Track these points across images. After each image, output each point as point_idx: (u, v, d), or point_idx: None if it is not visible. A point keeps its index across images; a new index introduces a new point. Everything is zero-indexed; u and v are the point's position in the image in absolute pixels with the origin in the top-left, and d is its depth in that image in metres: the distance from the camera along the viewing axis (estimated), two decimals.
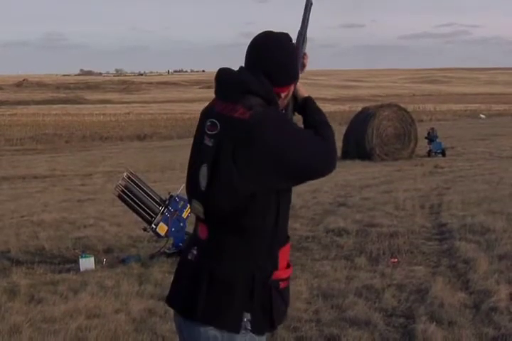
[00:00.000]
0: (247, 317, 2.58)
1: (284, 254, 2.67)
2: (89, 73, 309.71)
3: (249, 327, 2.58)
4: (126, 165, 16.14)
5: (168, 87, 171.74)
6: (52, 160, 26.29)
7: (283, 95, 2.70)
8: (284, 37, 2.68)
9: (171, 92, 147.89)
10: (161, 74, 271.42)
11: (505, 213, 9.89)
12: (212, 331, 2.58)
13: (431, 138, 22.77)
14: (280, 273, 2.64)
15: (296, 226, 9.31)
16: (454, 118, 54.19)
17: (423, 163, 19.87)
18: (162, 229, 8.09)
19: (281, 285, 2.65)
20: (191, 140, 2.81)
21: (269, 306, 2.60)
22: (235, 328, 2.58)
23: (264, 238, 2.60)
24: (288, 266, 2.70)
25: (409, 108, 32.62)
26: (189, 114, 57.71)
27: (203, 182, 2.58)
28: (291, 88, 2.72)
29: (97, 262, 8.01)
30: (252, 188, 2.51)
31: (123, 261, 8.07)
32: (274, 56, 2.63)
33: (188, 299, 2.64)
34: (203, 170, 2.58)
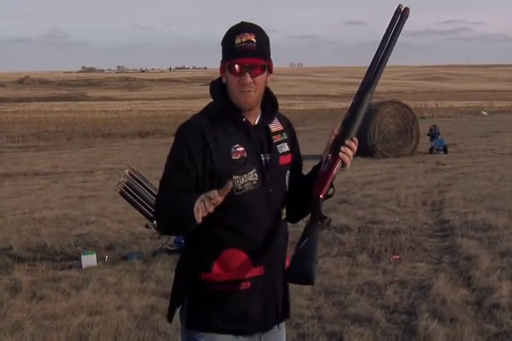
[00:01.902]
0: (182, 311, 2.74)
1: (226, 260, 2.65)
2: (91, 70, 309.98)
3: (184, 322, 2.73)
4: (128, 162, 16.15)
5: (170, 83, 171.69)
6: (54, 157, 26.27)
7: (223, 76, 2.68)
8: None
9: (173, 89, 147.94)
10: (162, 71, 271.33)
11: (507, 210, 9.88)
12: None
13: (433, 135, 22.74)
14: (211, 276, 2.65)
15: (298, 223, 9.30)
16: (456, 115, 54.10)
17: (425, 160, 19.84)
18: None
19: (217, 288, 2.66)
20: None
21: (198, 305, 2.69)
22: (169, 319, 2.80)
23: (192, 240, 2.71)
24: (235, 270, 2.66)
25: (411, 105, 32.58)
26: (191, 110, 57.62)
27: None
28: (228, 70, 2.64)
29: (99, 259, 8.02)
30: None
31: (125, 258, 8.08)
32: None
33: None
34: None
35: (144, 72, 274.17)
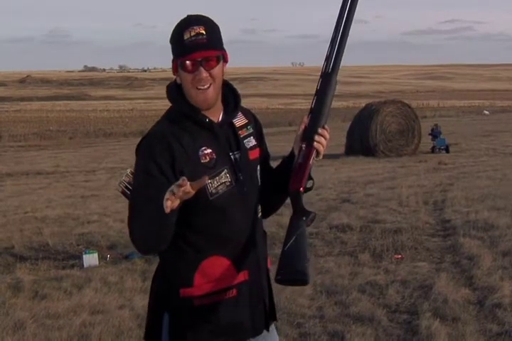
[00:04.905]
0: (164, 333, 2.55)
1: (207, 269, 2.51)
2: (93, 69, 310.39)
3: None
4: (130, 162, 16.15)
5: None
6: (56, 157, 26.31)
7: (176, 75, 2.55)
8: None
9: None
10: (164, 71, 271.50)
11: (508, 209, 9.88)
12: None
13: (435, 134, 22.76)
14: (193, 290, 2.51)
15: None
16: (458, 115, 54.16)
17: (427, 160, 19.85)
18: None
19: (201, 302, 2.51)
20: None
21: (181, 323, 2.53)
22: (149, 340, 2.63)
23: (168, 252, 2.51)
24: (217, 279, 2.53)
25: (413, 104, 32.62)
26: None
27: None
28: (180, 68, 2.50)
29: (101, 258, 8.02)
30: None
31: (127, 257, 8.08)
32: None
33: None
34: None
35: (145, 71, 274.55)
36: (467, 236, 8.27)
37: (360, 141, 22.32)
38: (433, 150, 22.39)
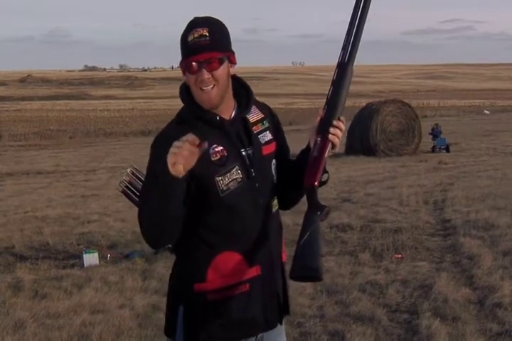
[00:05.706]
0: (179, 326, 2.59)
1: (220, 265, 2.54)
2: (93, 69, 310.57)
3: (181, 335, 2.58)
4: (130, 161, 16.15)
5: (172, 82, 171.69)
6: (56, 156, 26.30)
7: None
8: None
9: (175, 88, 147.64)
10: (165, 70, 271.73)
11: (509, 209, 9.88)
12: None
13: (435, 133, 22.76)
14: (207, 285, 2.54)
15: (300, 222, 9.29)
16: (458, 114, 54.15)
17: (427, 159, 19.84)
18: None
19: (214, 296, 2.54)
20: None
21: (195, 317, 2.56)
22: (168, 334, 2.66)
23: (182, 250, 2.63)
24: (230, 274, 2.55)
25: (413, 104, 32.59)
26: None
27: None
28: (185, 69, 2.50)
29: (101, 257, 8.02)
30: None
31: (127, 257, 8.08)
32: None
33: None
34: None
35: (146, 70, 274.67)
36: (467, 236, 8.27)
37: (361, 140, 22.31)
38: (433, 149, 22.39)
